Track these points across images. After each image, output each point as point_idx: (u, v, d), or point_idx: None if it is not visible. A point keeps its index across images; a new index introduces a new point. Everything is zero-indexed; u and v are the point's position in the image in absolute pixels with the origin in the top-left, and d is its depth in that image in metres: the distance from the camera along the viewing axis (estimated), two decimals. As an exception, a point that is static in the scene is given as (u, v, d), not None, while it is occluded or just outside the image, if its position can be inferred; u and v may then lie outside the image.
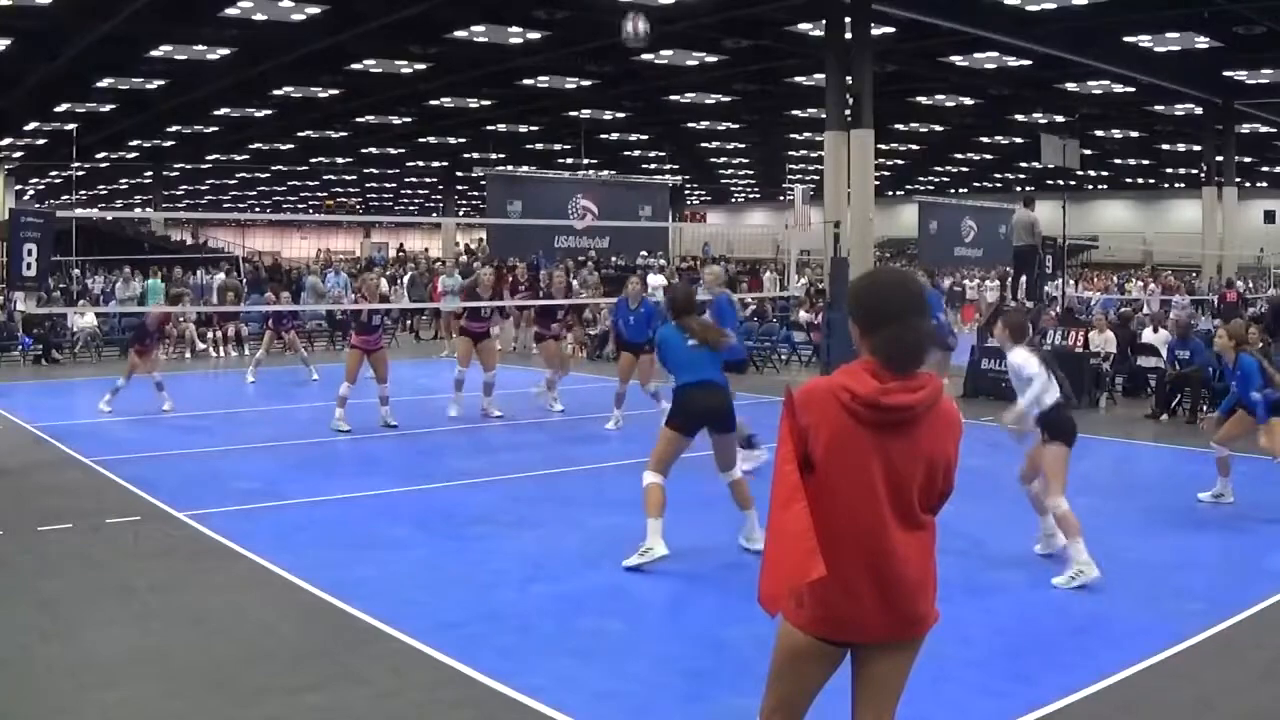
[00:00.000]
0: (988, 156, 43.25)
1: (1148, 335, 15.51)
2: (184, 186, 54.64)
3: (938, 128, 35.53)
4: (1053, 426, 6.56)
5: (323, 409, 12.21)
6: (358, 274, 26.59)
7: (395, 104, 31.36)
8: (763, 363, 18.46)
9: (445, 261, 29.35)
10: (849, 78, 19.05)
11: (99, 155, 38.83)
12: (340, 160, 45.57)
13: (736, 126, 37.04)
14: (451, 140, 39.18)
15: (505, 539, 7.35)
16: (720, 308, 9.47)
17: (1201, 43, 21.85)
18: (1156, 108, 30.34)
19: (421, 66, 25.72)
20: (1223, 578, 6.47)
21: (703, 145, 42.41)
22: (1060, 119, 30.81)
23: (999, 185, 50.08)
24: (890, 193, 51.50)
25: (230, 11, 19.72)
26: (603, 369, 18.40)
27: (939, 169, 49.18)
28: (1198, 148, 31.80)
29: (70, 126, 30.04)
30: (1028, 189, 41.46)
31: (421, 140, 39.09)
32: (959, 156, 44.31)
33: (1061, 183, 22.75)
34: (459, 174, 46.22)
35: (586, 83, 28.32)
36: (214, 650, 5.14)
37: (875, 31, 19.39)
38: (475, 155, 41.21)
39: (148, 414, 12.17)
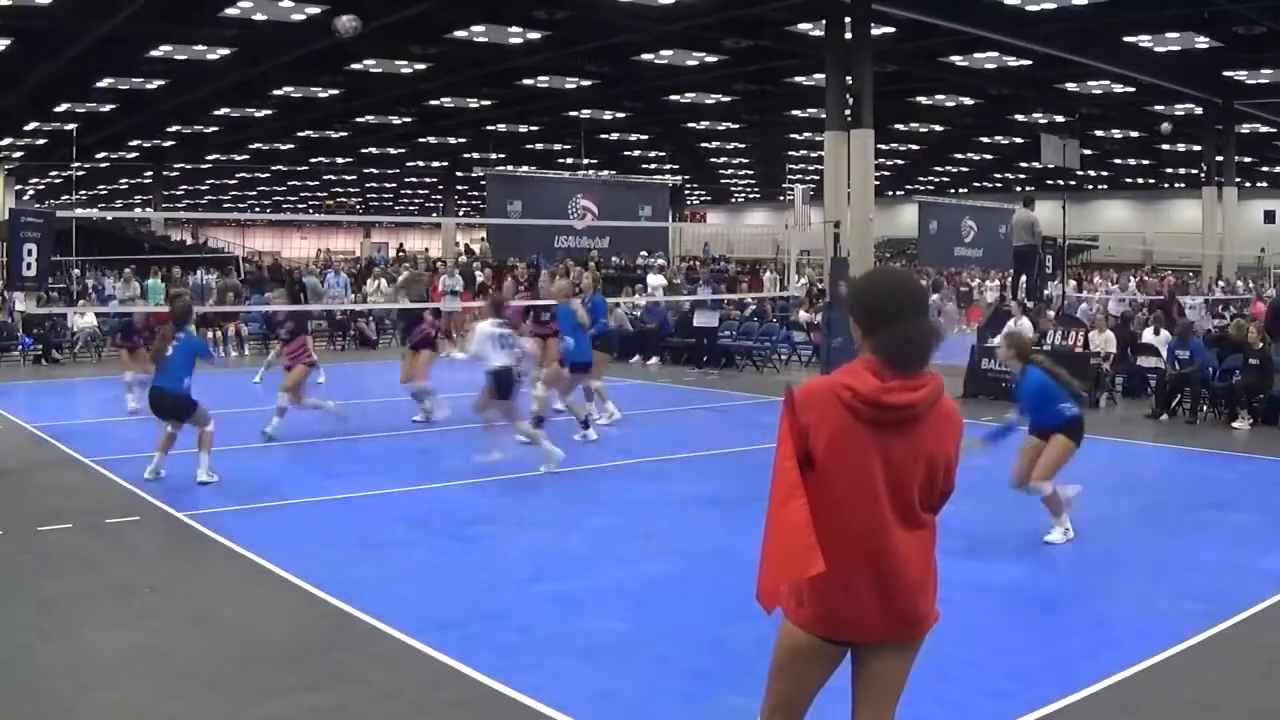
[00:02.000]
0: (988, 156, 43.25)
1: (1148, 335, 15.51)
2: (184, 186, 54.64)
3: (938, 128, 35.53)
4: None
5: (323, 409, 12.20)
6: (358, 274, 26.66)
7: (395, 104, 31.36)
8: (763, 363, 18.47)
9: (445, 261, 29.35)
10: (849, 78, 19.05)
11: (99, 155, 38.84)
12: (340, 160, 45.57)
13: (736, 126, 37.04)
14: (451, 140, 39.18)
15: (505, 539, 7.35)
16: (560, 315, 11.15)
17: (1201, 43, 21.85)
18: (1156, 108, 30.34)
19: (421, 66, 25.73)
20: (1223, 578, 6.46)
21: (703, 145, 42.41)
22: (1060, 119, 30.82)
23: (999, 185, 50.07)
24: (890, 193, 51.49)
25: (230, 11, 19.72)
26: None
27: (939, 169, 49.18)
28: (1198, 148, 31.81)
29: (70, 126, 30.05)
30: (1028, 189, 41.46)
31: (421, 140, 39.09)
32: (959, 156, 44.30)
33: (1061, 183, 22.77)
34: (459, 174, 46.21)
35: (586, 83, 28.32)
36: (214, 650, 5.14)
37: (875, 31, 19.39)
38: (475, 155, 41.20)
39: (147, 415, 12.13)
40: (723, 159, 47.71)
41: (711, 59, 25.40)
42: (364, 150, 42.36)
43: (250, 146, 40.96)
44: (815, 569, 2.65)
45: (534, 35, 22.67)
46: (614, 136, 38.92)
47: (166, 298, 19.58)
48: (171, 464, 9.02)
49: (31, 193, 49.77)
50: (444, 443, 11.25)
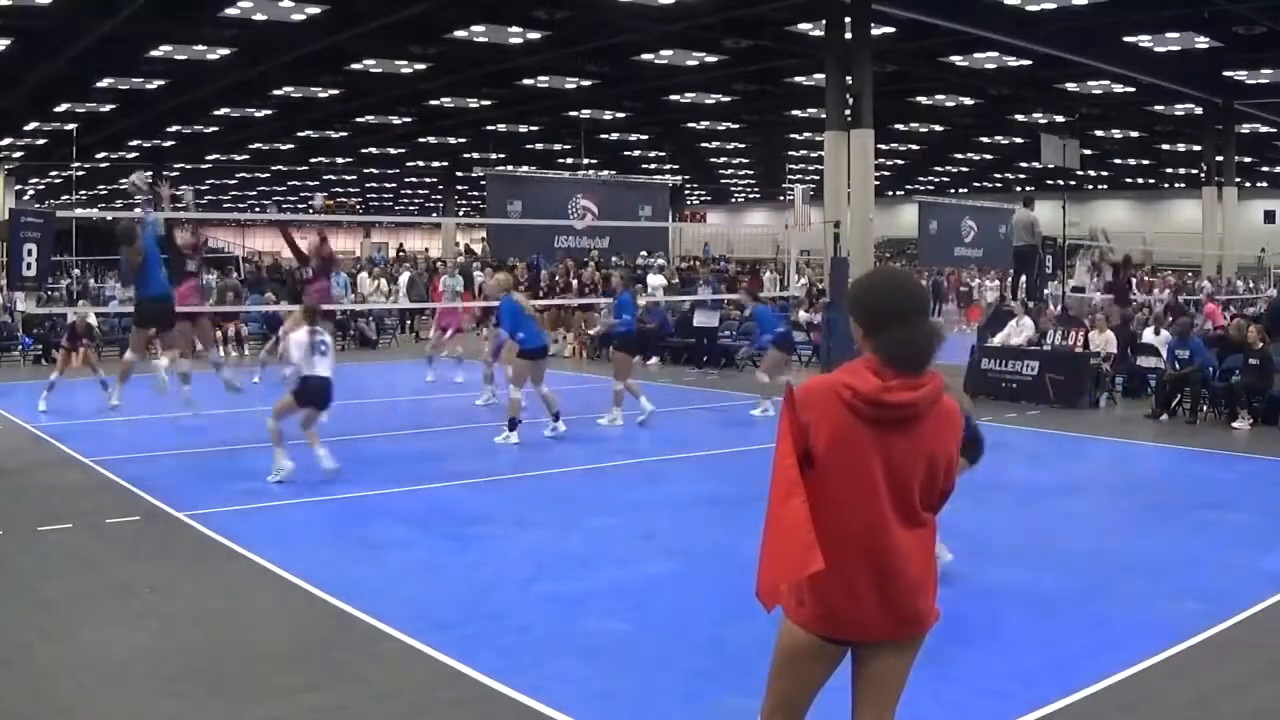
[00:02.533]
0: (988, 156, 43.23)
1: (1148, 335, 15.51)
2: (184, 186, 54.59)
3: (938, 128, 35.52)
4: None
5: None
6: (357, 274, 26.68)
7: (395, 104, 31.35)
8: (763, 362, 18.45)
9: (445, 261, 29.36)
10: (849, 78, 19.05)
11: (99, 155, 38.81)
12: (340, 160, 45.55)
13: (736, 126, 37.03)
14: (451, 140, 39.17)
15: (505, 539, 7.35)
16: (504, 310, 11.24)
17: (1201, 43, 21.85)
18: (1156, 108, 30.34)
19: (421, 66, 25.72)
20: (1223, 578, 6.46)
21: (703, 145, 42.40)
22: (1060, 119, 30.81)
23: (999, 185, 50.06)
24: (890, 193, 51.48)
25: (230, 11, 19.72)
26: (602, 369, 18.39)
27: (939, 169, 49.17)
28: (1198, 148, 31.81)
29: (70, 126, 30.01)
30: (1028, 189, 41.46)
31: (421, 140, 39.07)
32: (959, 156, 44.29)
33: (1061, 183, 22.77)
34: (459, 174, 46.20)
35: (586, 83, 28.32)
36: (214, 650, 5.14)
37: (875, 31, 19.39)
38: (475, 155, 41.20)
39: (147, 415, 12.15)
40: (723, 159, 47.69)
41: (711, 59, 25.39)
42: (364, 150, 42.34)
43: (250, 146, 40.94)
44: (814, 567, 2.65)
45: (534, 35, 22.67)
46: (614, 136, 38.90)
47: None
48: (170, 463, 9.05)
49: (31, 193, 49.73)
50: (444, 443, 11.27)
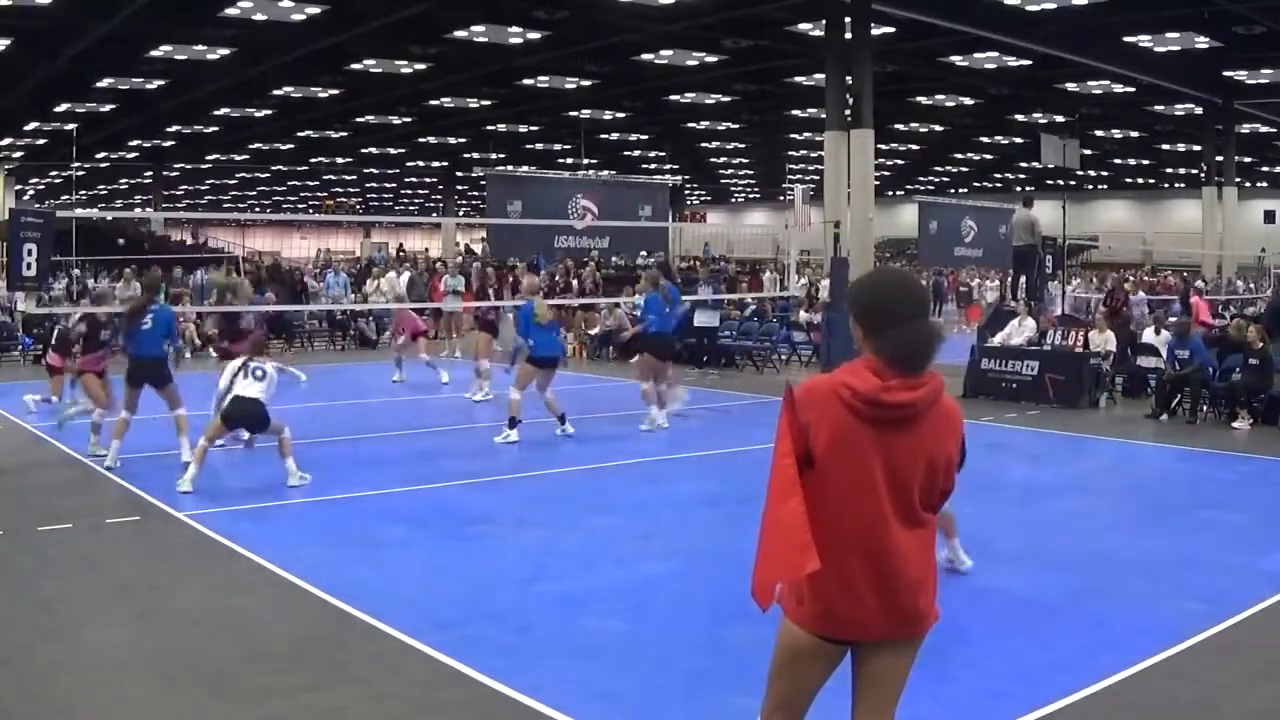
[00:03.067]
0: (988, 156, 43.25)
1: (1148, 335, 15.51)
2: (184, 186, 54.64)
3: (938, 128, 35.54)
4: None
5: (321, 409, 12.21)
6: (358, 274, 26.64)
7: (395, 104, 31.37)
8: (763, 363, 18.47)
9: (446, 261, 29.35)
10: (849, 78, 19.06)
11: (99, 155, 38.84)
12: (340, 160, 45.57)
13: (736, 126, 37.05)
14: (451, 140, 39.19)
15: (505, 539, 7.35)
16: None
17: (1201, 43, 21.86)
18: (1156, 108, 30.35)
19: (421, 66, 25.74)
20: (1223, 578, 6.46)
21: (703, 145, 42.42)
22: (1060, 119, 30.82)
23: (999, 185, 50.08)
24: (890, 193, 51.50)
25: (230, 11, 19.73)
26: (601, 369, 18.40)
27: (939, 169, 49.18)
28: (1198, 148, 31.83)
29: (70, 126, 30.03)
30: (1028, 189, 41.48)
31: (421, 140, 39.09)
32: (959, 156, 44.31)
33: (1061, 183, 22.77)
34: (459, 174, 46.23)
35: (586, 83, 28.33)
36: (214, 650, 5.14)
37: (875, 31, 19.41)
38: (475, 155, 41.22)
39: (147, 415, 12.13)
40: (723, 159, 47.71)
41: (711, 59, 25.40)
42: (364, 150, 42.36)
43: (250, 146, 40.97)
44: (810, 567, 2.66)
45: (534, 35, 22.68)
46: (614, 136, 38.92)
47: (166, 296, 19.56)
48: (169, 463, 9.04)
49: (31, 193, 49.77)
50: (443, 443, 11.27)
